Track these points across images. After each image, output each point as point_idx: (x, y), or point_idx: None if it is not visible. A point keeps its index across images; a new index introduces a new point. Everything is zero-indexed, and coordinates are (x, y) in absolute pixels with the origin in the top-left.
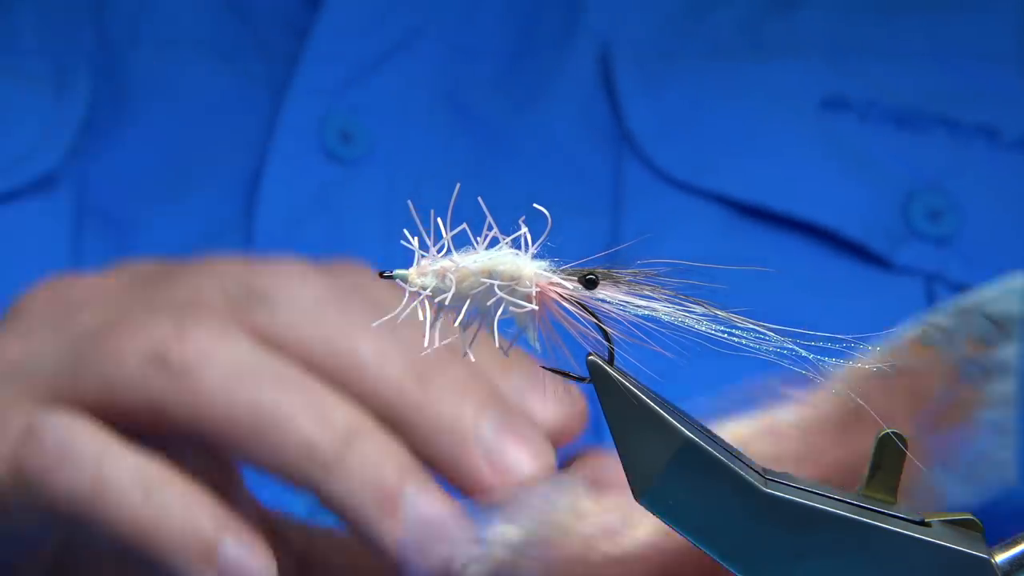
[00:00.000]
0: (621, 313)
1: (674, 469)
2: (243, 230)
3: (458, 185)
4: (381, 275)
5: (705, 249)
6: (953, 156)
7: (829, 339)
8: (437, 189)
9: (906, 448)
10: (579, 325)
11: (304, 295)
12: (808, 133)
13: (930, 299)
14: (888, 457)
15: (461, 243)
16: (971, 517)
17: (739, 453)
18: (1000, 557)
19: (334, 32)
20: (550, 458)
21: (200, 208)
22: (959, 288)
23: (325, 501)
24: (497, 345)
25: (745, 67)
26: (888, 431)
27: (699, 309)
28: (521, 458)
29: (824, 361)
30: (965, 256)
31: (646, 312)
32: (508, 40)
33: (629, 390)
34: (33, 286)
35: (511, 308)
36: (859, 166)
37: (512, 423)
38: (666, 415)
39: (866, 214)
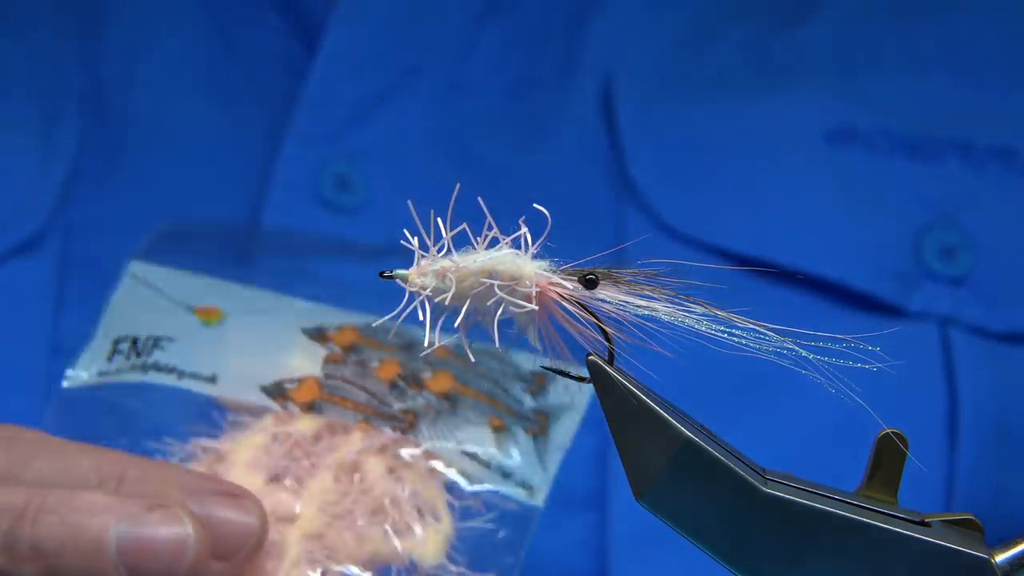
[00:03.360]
0: (621, 313)
1: (674, 469)
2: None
3: (458, 185)
4: (381, 275)
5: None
6: (967, 185)
7: (829, 339)
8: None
9: (906, 448)
10: (579, 325)
11: None
12: (815, 171)
13: (945, 344)
14: (888, 457)
15: (461, 244)
16: (971, 517)
17: (739, 453)
18: (1000, 557)
19: (331, 73)
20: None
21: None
22: (975, 330)
23: None
24: (497, 345)
25: (750, 101)
26: (888, 431)
27: (699, 309)
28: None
29: (824, 361)
30: (981, 295)
31: (646, 312)
32: (508, 75)
33: (629, 390)
34: None
35: (511, 308)
36: (869, 203)
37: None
38: (666, 415)
39: (877, 256)
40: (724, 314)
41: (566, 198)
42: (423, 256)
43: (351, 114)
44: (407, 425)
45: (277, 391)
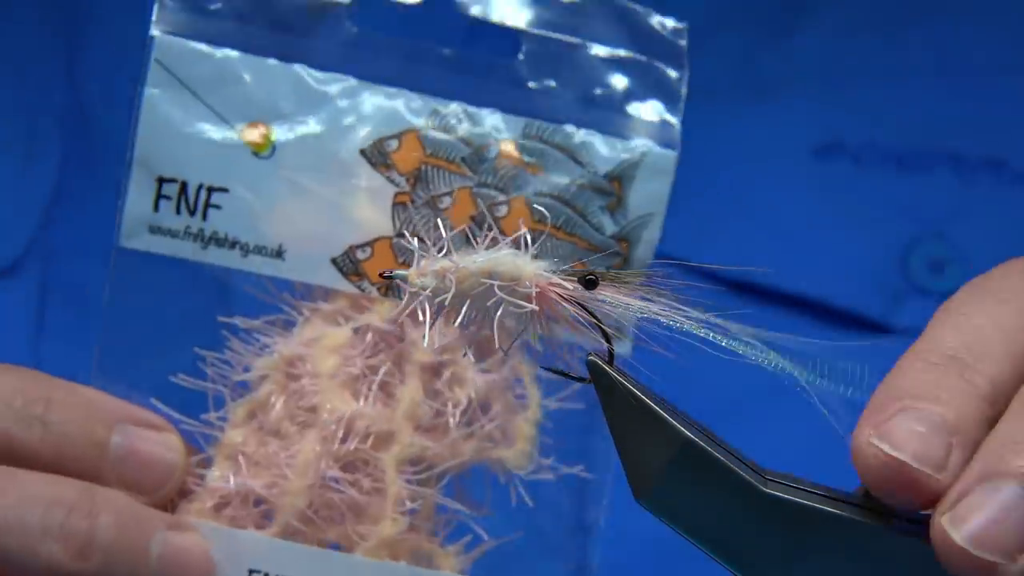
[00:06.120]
0: (621, 313)
1: (674, 469)
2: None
3: (458, 186)
4: (381, 275)
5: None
6: (956, 197)
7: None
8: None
9: None
10: (579, 325)
11: None
12: (801, 185)
13: None
14: None
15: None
16: None
17: (739, 453)
18: None
19: None
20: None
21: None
22: None
23: None
24: (497, 345)
25: (736, 113)
26: None
27: (698, 312)
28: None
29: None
30: None
31: (646, 314)
32: None
33: (629, 390)
34: None
35: (511, 308)
36: (856, 217)
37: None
38: (666, 415)
39: (864, 271)
40: (721, 320)
41: None
42: (423, 256)
43: None
44: None
45: (350, 265)
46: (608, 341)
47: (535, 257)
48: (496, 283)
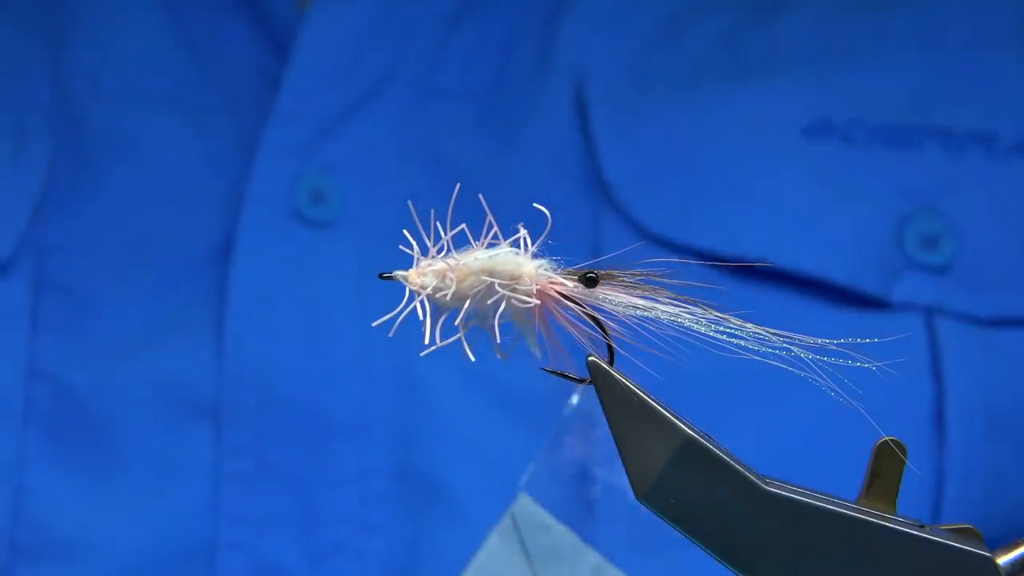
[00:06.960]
0: (622, 312)
1: (675, 467)
2: (214, 304)
3: (458, 185)
4: (381, 276)
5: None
6: (947, 172)
7: (824, 340)
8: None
9: (905, 456)
10: (579, 325)
11: None
12: (792, 165)
13: (931, 334)
14: (886, 465)
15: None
16: (970, 527)
17: (736, 458)
18: (1003, 559)
19: (302, 85)
20: None
21: (166, 280)
22: (962, 318)
23: None
24: (497, 346)
25: (724, 95)
26: (887, 439)
27: (699, 310)
28: None
29: (821, 363)
30: (967, 282)
31: (647, 312)
32: (481, 79)
33: (630, 389)
34: None
35: (511, 308)
36: (848, 195)
37: None
38: (668, 413)
39: (858, 248)
40: (721, 315)
41: (542, 201)
42: (422, 257)
43: (324, 125)
44: None
45: None
46: (608, 339)
47: (535, 255)
48: (496, 281)
